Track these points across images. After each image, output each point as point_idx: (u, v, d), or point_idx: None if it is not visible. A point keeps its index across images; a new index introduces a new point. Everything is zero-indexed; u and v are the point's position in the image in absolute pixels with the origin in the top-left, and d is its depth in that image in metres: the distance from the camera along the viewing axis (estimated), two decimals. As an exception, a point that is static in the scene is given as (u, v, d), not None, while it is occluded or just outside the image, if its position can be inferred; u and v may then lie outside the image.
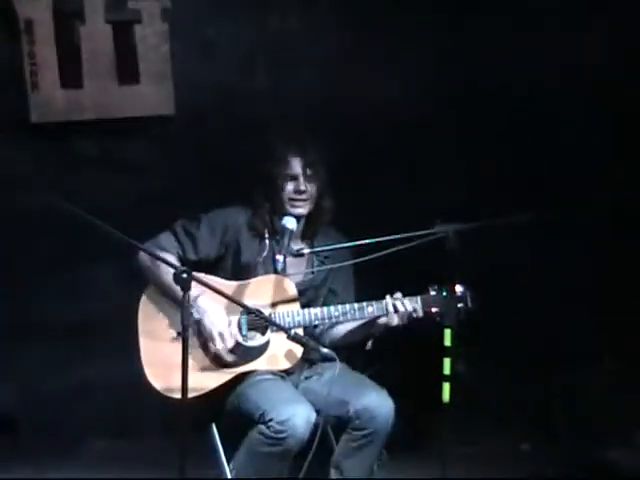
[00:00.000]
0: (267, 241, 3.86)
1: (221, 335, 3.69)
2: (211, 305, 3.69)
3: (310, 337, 3.82)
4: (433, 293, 3.75)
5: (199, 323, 3.70)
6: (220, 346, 3.69)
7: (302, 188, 3.82)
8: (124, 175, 5.31)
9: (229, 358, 3.71)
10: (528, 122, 5.38)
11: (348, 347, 3.90)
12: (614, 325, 5.31)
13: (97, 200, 4.93)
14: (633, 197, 5.29)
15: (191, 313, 3.60)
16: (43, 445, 5.07)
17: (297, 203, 3.83)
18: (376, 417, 3.66)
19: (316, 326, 3.85)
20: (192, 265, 3.68)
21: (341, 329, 3.87)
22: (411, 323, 3.74)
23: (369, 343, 3.84)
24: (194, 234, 3.83)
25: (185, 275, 3.33)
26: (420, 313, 3.72)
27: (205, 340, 3.72)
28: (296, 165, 3.83)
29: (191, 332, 3.57)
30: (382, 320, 3.74)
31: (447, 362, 3.55)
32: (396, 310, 3.71)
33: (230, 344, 3.70)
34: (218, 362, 3.73)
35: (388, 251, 3.65)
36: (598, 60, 5.31)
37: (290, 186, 3.83)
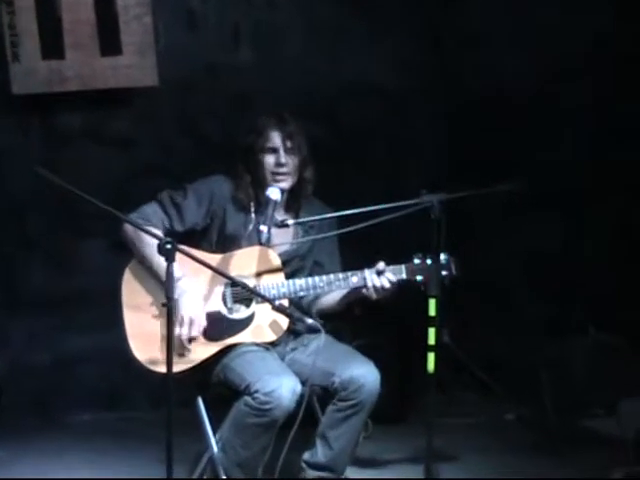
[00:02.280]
0: (253, 214, 3.85)
1: (191, 321, 3.63)
2: (191, 289, 3.65)
3: (297, 308, 3.82)
4: (417, 261, 3.74)
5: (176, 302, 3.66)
6: (185, 332, 3.63)
7: (282, 161, 3.79)
8: (108, 146, 5.29)
9: (187, 345, 3.64)
10: (511, 97, 5.39)
11: (336, 315, 3.90)
12: (599, 295, 5.33)
13: (81, 172, 4.92)
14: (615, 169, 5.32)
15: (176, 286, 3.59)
16: (29, 418, 5.07)
17: (279, 177, 3.81)
18: (362, 388, 3.66)
19: (302, 297, 3.84)
20: (179, 236, 3.66)
21: (328, 299, 3.87)
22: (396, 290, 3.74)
23: (357, 309, 3.84)
24: (180, 204, 3.81)
25: (169, 246, 3.32)
26: (403, 276, 3.70)
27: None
28: (275, 138, 3.81)
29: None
30: (367, 289, 3.72)
31: (432, 332, 3.54)
32: (380, 280, 3.70)
33: (195, 333, 3.64)
34: (208, 330, 3.67)
35: (374, 221, 3.65)
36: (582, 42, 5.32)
37: (271, 159, 3.81)
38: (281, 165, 3.80)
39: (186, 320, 3.63)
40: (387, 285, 3.69)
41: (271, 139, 3.81)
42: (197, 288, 3.67)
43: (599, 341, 5.09)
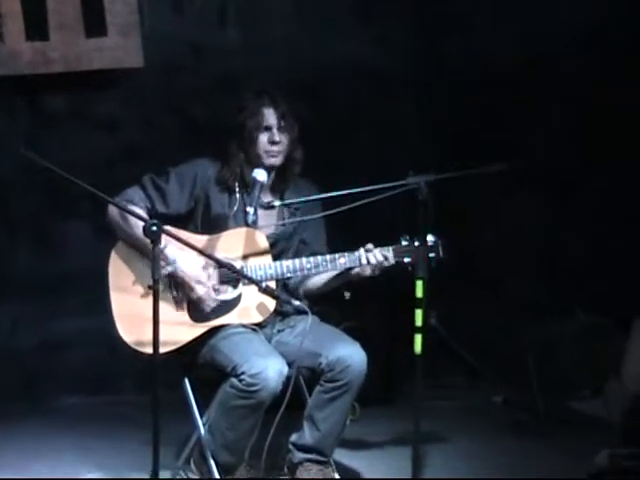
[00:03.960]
0: (237, 194, 3.84)
1: (198, 281, 3.67)
2: (180, 253, 3.65)
3: (284, 290, 3.82)
4: (405, 243, 3.74)
5: (172, 275, 3.67)
6: (202, 292, 3.66)
7: (276, 139, 3.80)
8: (93, 128, 5.26)
9: (212, 303, 3.68)
10: (494, 80, 5.38)
11: (324, 297, 3.89)
12: (586, 278, 5.34)
13: (67, 153, 4.89)
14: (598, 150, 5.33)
15: (163, 267, 3.59)
16: (16, 402, 5.05)
17: (271, 154, 3.80)
18: (348, 369, 3.66)
19: (289, 278, 3.84)
20: (162, 218, 3.65)
21: (316, 280, 3.87)
22: (384, 273, 3.74)
23: (347, 294, 3.84)
24: (163, 188, 3.80)
25: (155, 228, 3.30)
26: (391, 261, 3.72)
27: (181, 291, 3.70)
28: (270, 116, 3.81)
29: (162, 286, 3.55)
30: (355, 271, 3.74)
31: (419, 313, 3.54)
32: (368, 261, 3.71)
33: (211, 284, 3.68)
34: (195, 312, 3.70)
35: (361, 202, 3.64)
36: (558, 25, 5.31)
37: (264, 137, 3.81)
38: (275, 143, 3.80)
39: (193, 283, 3.65)
40: (380, 258, 3.69)
41: (266, 117, 3.80)
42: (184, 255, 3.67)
43: (586, 323, 5.11)
